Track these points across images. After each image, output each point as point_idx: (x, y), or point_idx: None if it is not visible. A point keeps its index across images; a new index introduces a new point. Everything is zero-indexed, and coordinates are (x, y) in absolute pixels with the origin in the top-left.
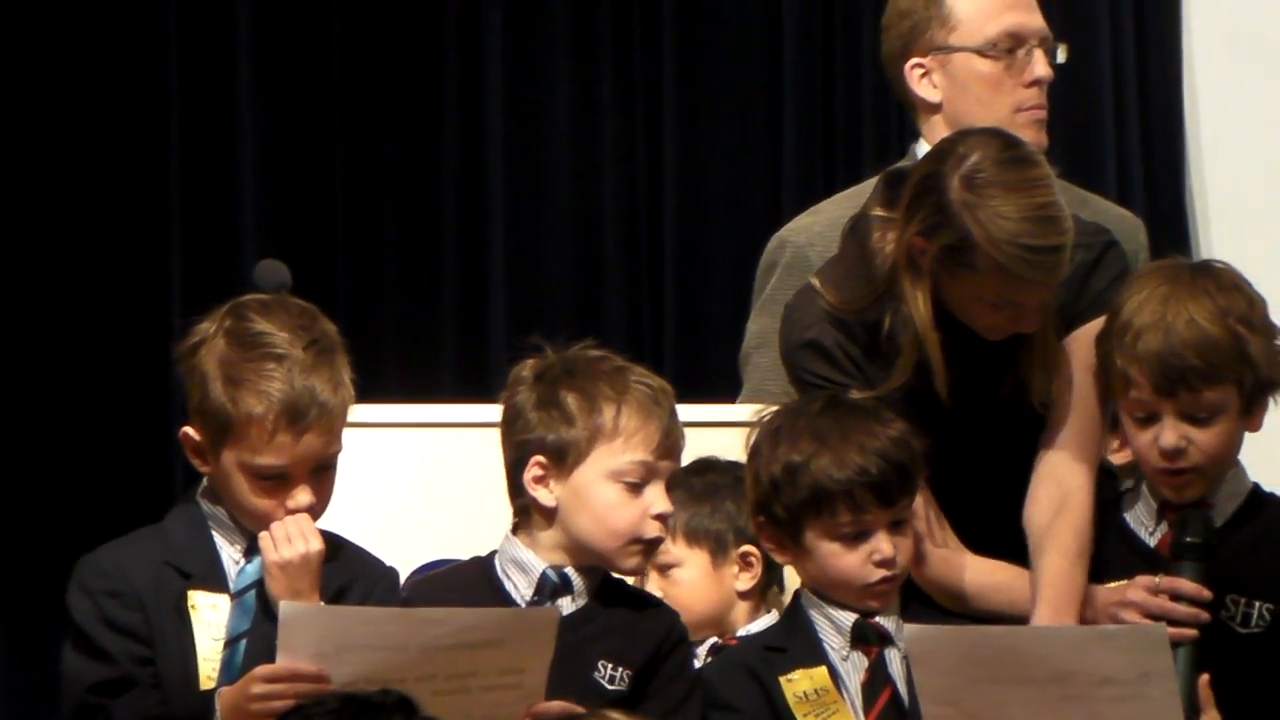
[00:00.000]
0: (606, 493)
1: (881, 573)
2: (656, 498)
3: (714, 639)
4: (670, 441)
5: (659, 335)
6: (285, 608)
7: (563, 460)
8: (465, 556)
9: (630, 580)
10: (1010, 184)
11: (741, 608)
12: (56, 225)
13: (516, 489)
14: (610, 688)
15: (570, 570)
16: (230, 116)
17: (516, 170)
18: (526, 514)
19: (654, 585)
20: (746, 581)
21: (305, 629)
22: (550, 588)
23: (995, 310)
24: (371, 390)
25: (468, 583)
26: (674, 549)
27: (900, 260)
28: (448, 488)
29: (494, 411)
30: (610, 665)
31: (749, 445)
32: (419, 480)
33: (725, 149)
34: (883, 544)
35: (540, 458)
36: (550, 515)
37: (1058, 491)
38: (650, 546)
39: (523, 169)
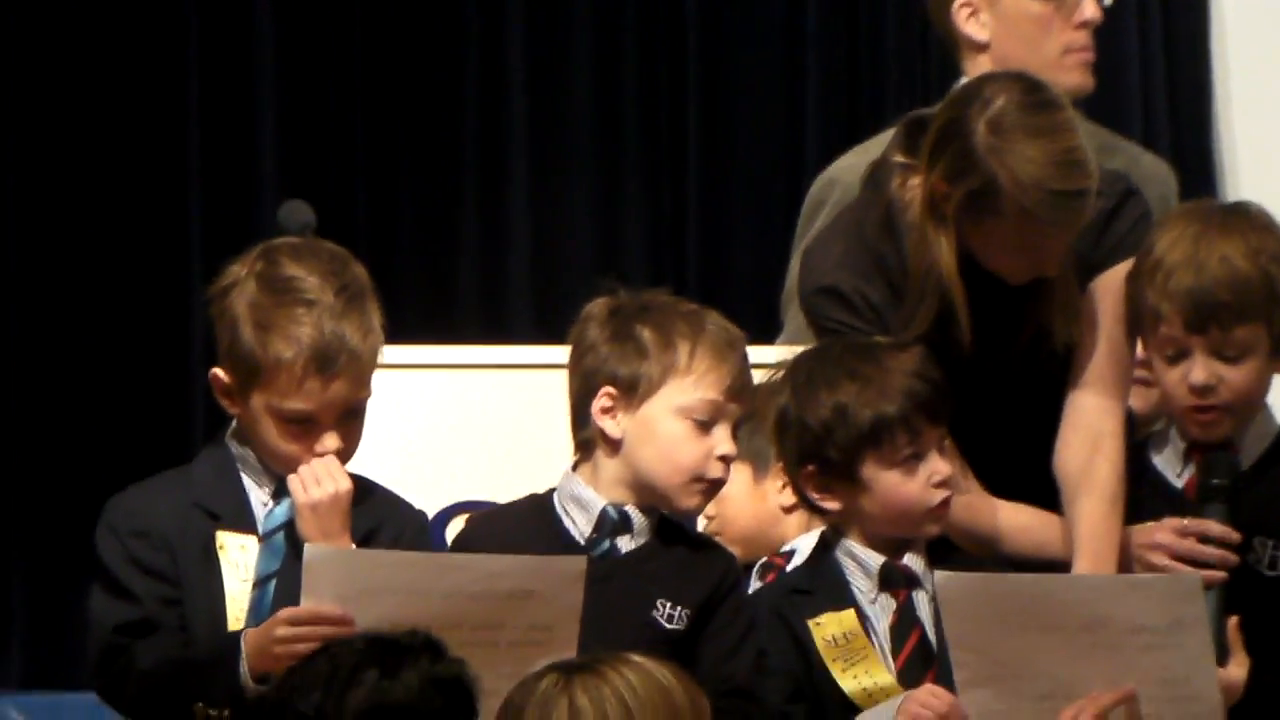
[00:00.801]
0: (674, 427)
1: (942, 493)
2: (723, 438)
3: (764, 559)
4: (741, 385)
5: (682, 273)
6: (309, 550)
7: (633, 392)
8: (487, 498)
9: None
10: (1036, 128)
11: (790, 523)
12: (77, 169)
13: (581, 420)
14: (669, 626)
15: (630, 508)
16: (249, 57)
17: (538, 109)
18: (588, 448)
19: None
20: (790, 496)
21: (329, 572)
22: (610, 525)
23: (1018, 254)
24: (392, 332)
25: (524, 519)
26: None
27: (922, 206)
28: (468, 429)
29: (514, 353)
30: (669, 604)
31: (779, 401)
32: (439, 422)
33: (748, 92)
34: (938, 464)
35: (610, 388)
36: (615, 447)
37: (1089, 436)
38: (712, 487)
39: (544, 106)
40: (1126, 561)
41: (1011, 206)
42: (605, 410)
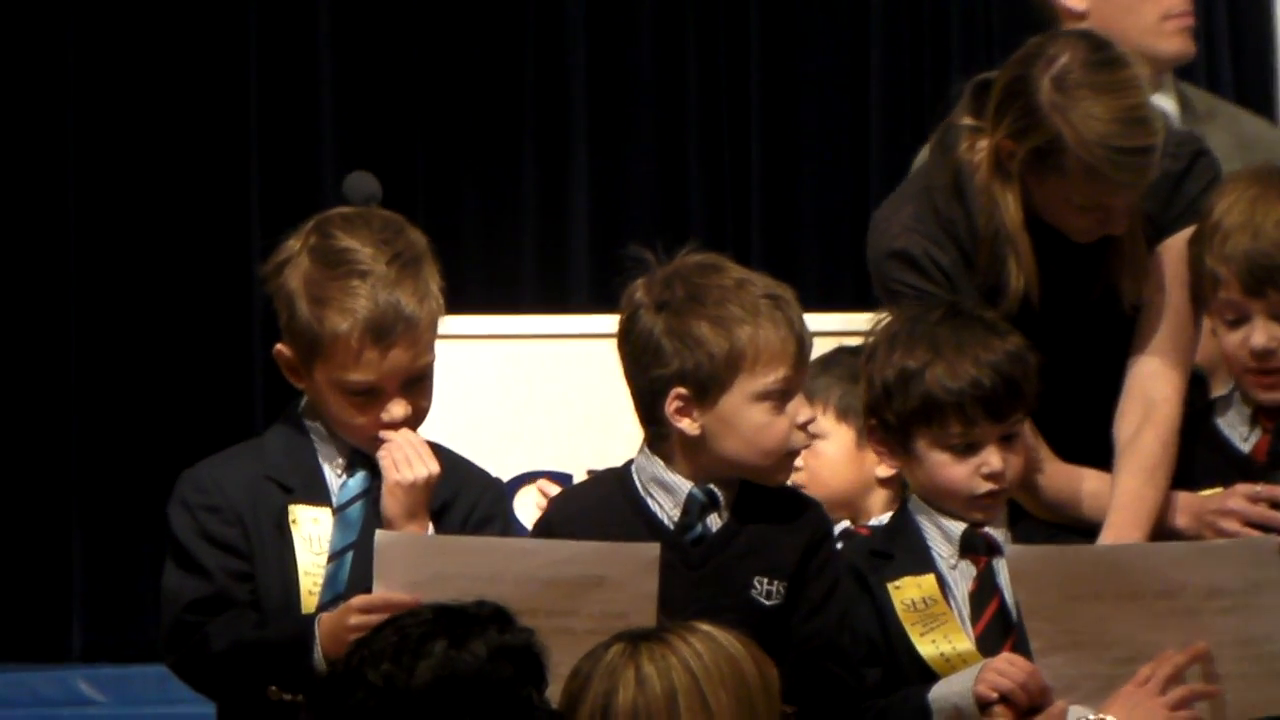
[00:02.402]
0: (754, 414)
1: (989, 485)
2: (800, 407)
3: (846, 523)
4: (804, 349)
5: (745, 241)
6: (380, 537)
7: (704, 391)
8: (549, 468)
9: None
10: (1101, 85)
11: (879, 496)
12: (138, 148)
13: (653, 417)
14: (768, 603)
15: (714, 487)
16: (309, 29)
17: (599, 78)
18: (664, 438)
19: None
20: (887, 469)
21: (401, 558)
22: (699, 507)
23: (1084, 213)
24: (452, 302)
25: (608, 500)
26: (823, 421)
27: (988, 163)
28: (530, 400)
29: (576, 323)
30: (765, 580)
31: (866, 350)
32: (501, 393)
33: (812, 58)
34: (992, 457)
35: (680, 389)
36: (693, 442)
37: (1143, 404)
38: (799, 454)
39: (605, 78)
40: (1190, 526)
41: (1075, 164)
42: (679, 411)
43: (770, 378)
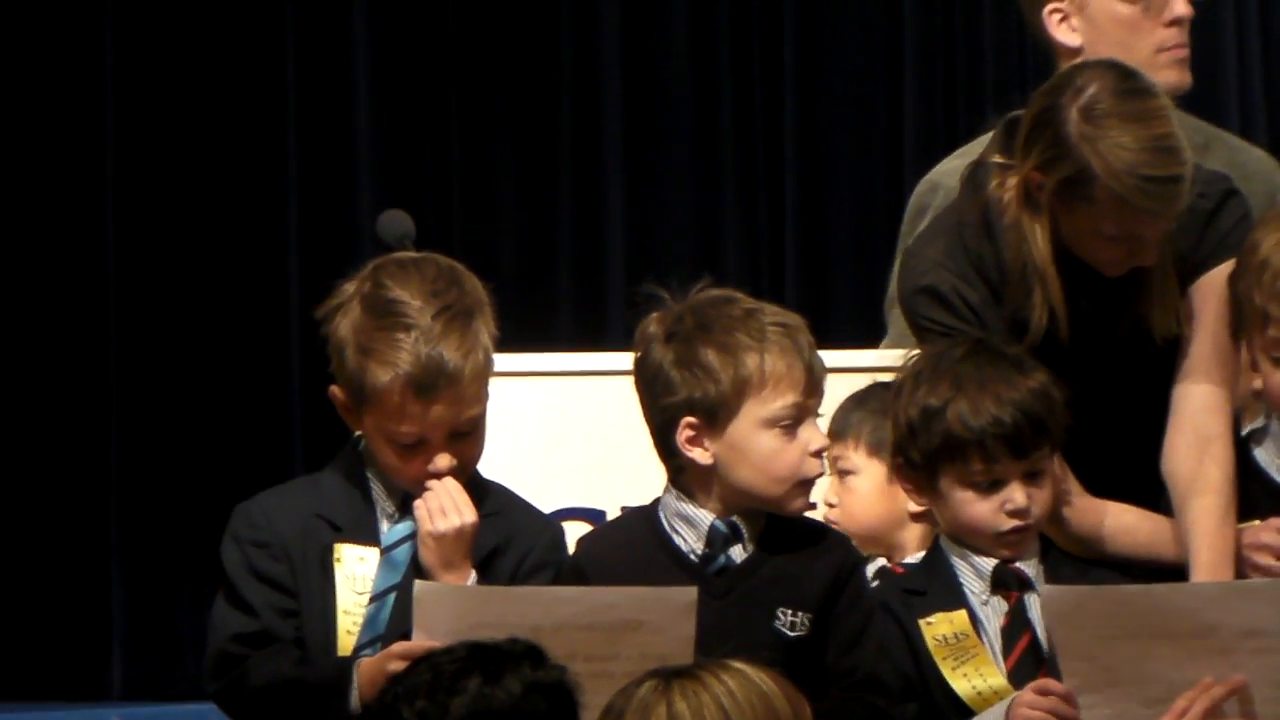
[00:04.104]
0: (765, 441)
1: (1013, 522)
2: (813, 435)
3: (882, 561)
4: (815, 378)
5: (780, 279)
6: (419, 587)
7: (714, 418)
8: (587, 505)
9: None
10: (1129, 115)
11: (913, 532)
12: (176, 182)
13: (668, 450)
14: (791, 634)
15: (737, 519)
16: (346, 64)
17: (634, 116)
18: (682, 470)
19: (832, 491)
20: (919, 504)
21: (440, 608)
22: (721, 539)
23: (1113, 244)
24: None
25: (635, 540)
26: (854, 456)
27: (1017, 196)
28: (568, 436)
29: (613, 359)
30: (789, 612)
31: (894, 387)
32: (538, 429)
33: (846, 95)
34: (1016, 494)
35: (690, 418)
36: (708, 472)
37: (1197, 440)
38: (813, 482)
39: (640, 115)
40: (1239, 562)
41: (1105, 194)
42: (691, 441)
43: (778, 403)
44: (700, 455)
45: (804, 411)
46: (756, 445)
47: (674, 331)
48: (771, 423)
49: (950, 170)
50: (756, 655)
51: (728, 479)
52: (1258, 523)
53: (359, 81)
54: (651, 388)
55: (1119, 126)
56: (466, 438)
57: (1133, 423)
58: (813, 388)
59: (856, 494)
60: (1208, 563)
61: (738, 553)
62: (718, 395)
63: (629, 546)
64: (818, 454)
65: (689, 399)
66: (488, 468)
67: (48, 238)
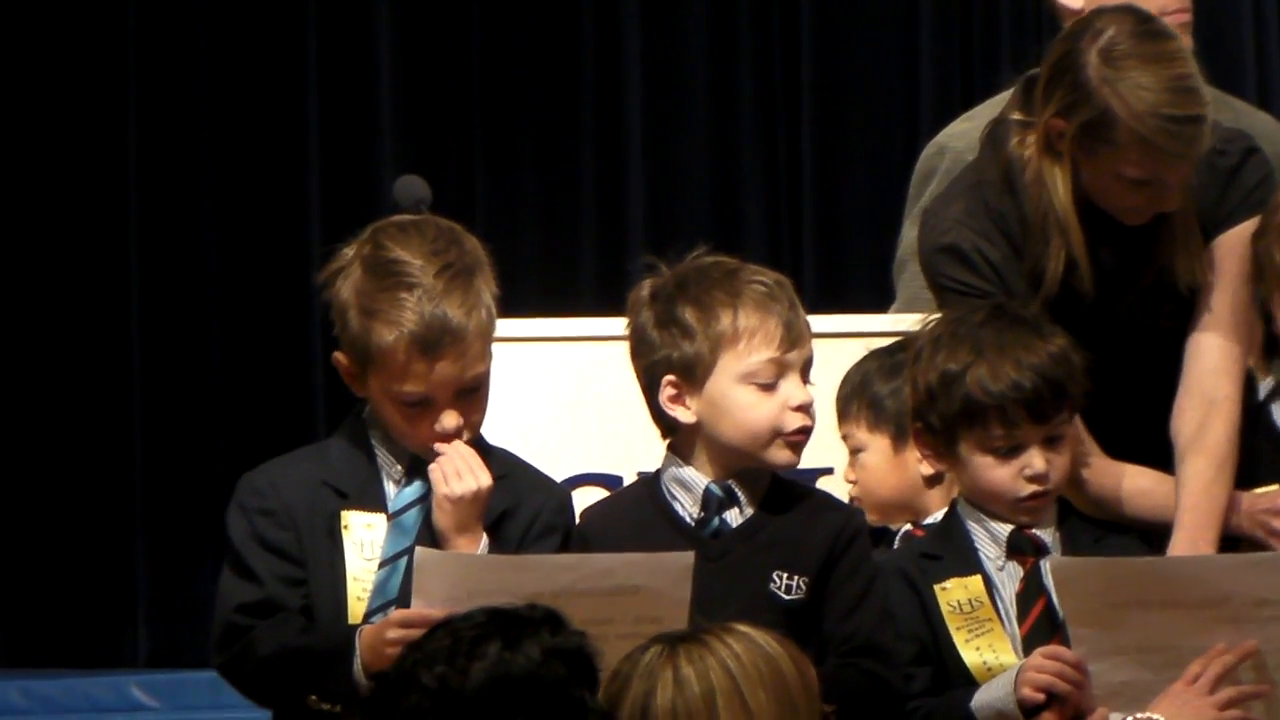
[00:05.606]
0: (741, 396)
1: (1032, 488)
2: (793, 390)
3: (908, 526)
4: (793, 333)
5: (797, 247)
6: (420, 554)
7: (692, 375)
8: (606, 471)
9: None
10: (1148, 56)
11: (934, 495)
12: (197, 146)
13: (658, 411)
14: (787, 598)
15: (732, 482)
16: (368, 32)
17: (654, 83)
18: (674, 431)
19: (849, 470)
20: (929, 466)
21: (439, 575)
22: (716, 502)
23: (1135, 189)
24: (511, 305)
25: (636, 506)
26: (859, 433)
27: (1038, 145)
28: (588, 401)
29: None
30: (785, 575)
31: (911, 352)
32: (559, 395)
33: (862, 59)
34: (1035, 459)
35: (670, 377)
36: (695, 430)
37: (1204, 400)
38: (800, 437)
39: (660, 81)
40: (1240, 525)
41: (1126, 136)
42: (673, 399)
43: (754, 359)
44: (683, 414)
45: (782, 366)
46: (734, 400)
47: (655, 293)
48: (747, 378)
49: (958, 133)
50: (757, 618)
51: (711, 436)
52: (1269, 489)
53: (381, 50)
54: (637, 350)
55: (1139, 67)
56: (472, 397)
57: (1152, 383)
58: (791, 343)
59: (868, 469)
60: (1189, 525)
61: (734, 516)
62: (694, 352)
63: (630, 513)
64: (801, 409)
65: (668, 358)
66: (510, 433)
67: (71, 207)
